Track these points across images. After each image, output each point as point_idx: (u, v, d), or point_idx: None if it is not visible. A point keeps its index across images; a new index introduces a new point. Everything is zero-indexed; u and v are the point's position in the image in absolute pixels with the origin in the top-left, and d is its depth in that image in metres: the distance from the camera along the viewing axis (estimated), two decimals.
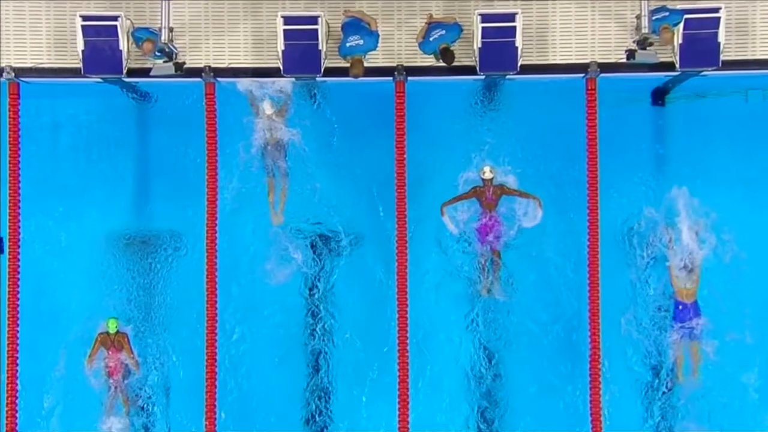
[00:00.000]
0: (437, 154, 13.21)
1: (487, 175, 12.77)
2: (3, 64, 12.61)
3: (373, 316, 13.15)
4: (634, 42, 12.39)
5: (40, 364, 13.01)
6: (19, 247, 12.70)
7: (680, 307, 12.59)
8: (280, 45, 12.33)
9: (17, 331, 12.67)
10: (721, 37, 12.18)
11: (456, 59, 12.22)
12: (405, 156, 12.62)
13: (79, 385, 12.89)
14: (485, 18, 12.25)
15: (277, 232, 13.10)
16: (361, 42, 12.13)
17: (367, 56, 12.23)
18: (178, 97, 13.25)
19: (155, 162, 13.49)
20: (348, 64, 12.20)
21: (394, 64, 12.62)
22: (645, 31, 12.04)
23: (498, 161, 12.98)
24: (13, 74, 12.59)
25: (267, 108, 12.72)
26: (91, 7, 12.68)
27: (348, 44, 12.15)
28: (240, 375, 13.17)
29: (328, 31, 12.51)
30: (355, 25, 12.27)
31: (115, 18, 12.26)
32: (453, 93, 13.29)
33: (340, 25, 12.35)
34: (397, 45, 12.75)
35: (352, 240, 13.32)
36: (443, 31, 12.26)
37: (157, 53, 12.23)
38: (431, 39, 12.28)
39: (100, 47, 12.27)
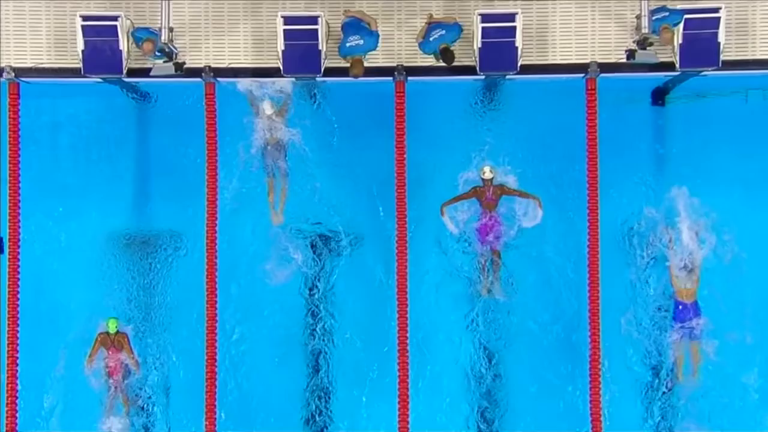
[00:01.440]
0: (437, 154, 13.20)
1: (487, 175, 12.77)
2: (3, 64, 12.61)
3: (373, 316, 13.14)
4: (634, 42, 12.39)
5: (40, 364, 13.00)
6: (19, 247, 12.69)
7: (680, 307, 12.59)
8: (280, 45, 12.32)
9: (17, 331, 12.67)
10: (721, 37, 12.17)
11: (456, 59, 12.22)
12: (405, 156, 12.62)
13: (79, 385, 12.88)
14: (485, 18, 12.24)
15: (277, 232, 13.10)
16: (361, 42, 12.12)
17: (367, 56, 12.23)
18: (178, 97, 13.24)
19: (155, 162, 13.49)
20: (348, 64, 12.20)
21: (394, 64, 12.62)
22: (645, 31, 12.04)
23: (498, 161, 12.98)
24: (13, 74, 12.58)
25: (267, 108, 12.72)
26: (91, 7, 12.68)
27: (348, 44, 12.14)
28: (240, 375, 13.17)
29: (328, 31, 12.50)
30: (355, 25, 12.26)
31: (115, 18, 12.25)
32: (453, 93, 13.28)
33: (340, 25, 12.35)
34: (397, 45, 12.74)
35: (352, 240, 13.31)
36: (443, 31, 12.26)
37: (157, 53, 12.23)
38: (431, 39, 12.28)
39: (100, 47, 12.26)
